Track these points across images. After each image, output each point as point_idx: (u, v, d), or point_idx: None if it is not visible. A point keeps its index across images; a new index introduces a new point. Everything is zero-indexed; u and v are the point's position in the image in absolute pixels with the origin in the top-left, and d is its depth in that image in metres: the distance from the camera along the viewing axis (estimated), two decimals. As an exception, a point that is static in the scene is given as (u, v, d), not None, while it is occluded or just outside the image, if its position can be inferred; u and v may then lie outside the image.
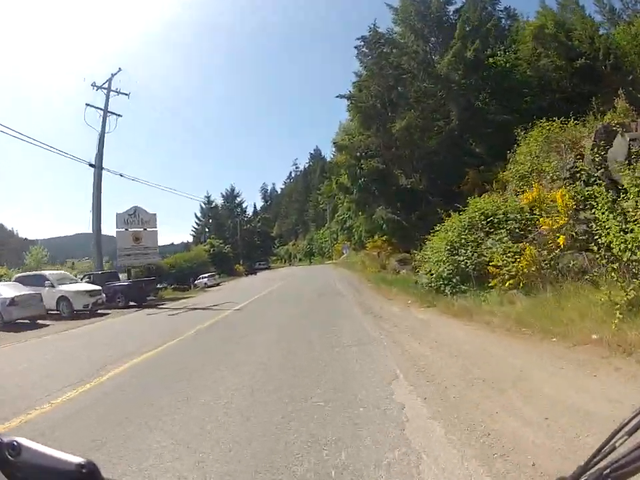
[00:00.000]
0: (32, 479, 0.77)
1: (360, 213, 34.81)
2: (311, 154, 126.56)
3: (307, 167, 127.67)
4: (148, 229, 28.47)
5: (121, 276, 28.95)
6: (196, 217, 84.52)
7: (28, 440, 0.78)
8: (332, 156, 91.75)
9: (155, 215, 28.95)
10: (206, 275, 45.68)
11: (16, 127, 67.87)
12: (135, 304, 22.94)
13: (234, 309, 16.95)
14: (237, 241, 77.67)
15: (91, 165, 27.11)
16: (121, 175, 27.24)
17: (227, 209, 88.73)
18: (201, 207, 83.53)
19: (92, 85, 29.45)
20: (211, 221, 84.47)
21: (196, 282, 45.01)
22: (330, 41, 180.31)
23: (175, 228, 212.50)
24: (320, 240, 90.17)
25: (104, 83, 29.10)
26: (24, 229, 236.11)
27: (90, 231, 27.29)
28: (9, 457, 0.76)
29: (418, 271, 16.63)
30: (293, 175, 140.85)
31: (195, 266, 50.07)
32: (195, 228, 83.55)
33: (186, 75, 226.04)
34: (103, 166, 27.30)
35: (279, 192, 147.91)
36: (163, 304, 23.78)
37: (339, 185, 38.16)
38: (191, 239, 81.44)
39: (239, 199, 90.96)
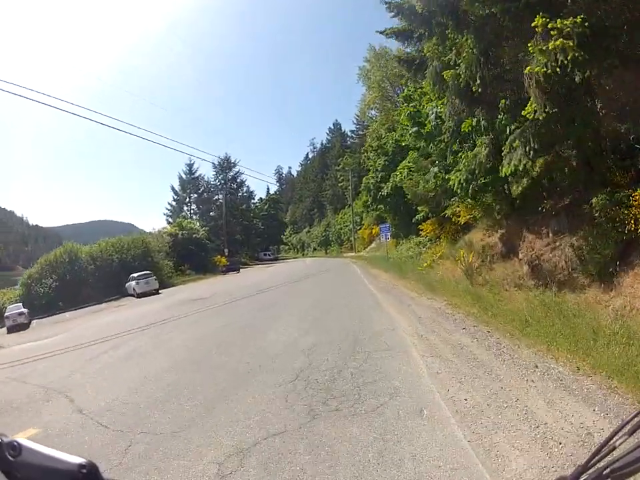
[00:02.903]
0: (32, 479, 0.73)
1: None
2: (330, 128, 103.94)
3: (325, 142, 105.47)
4: None
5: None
6: (173, 190, 62.04)
7: (28, 440, 0.75)
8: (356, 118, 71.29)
9: None
10: (136, 274, 28.90)
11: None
12: None
13: None
14: (229, 223, 56.53)
15: None
16: None
17: (219, 182, 66.16)
18: (180, 178, 61.94)
19: None
20: (192, 196, 62.12)
21: (127, 285, 29.76)
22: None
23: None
24: (338, 225, 68.39)
25: None
26: (36, 216, 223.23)
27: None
28: (9, 457, 0.73)
29: None
30: (310, 157, 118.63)
31: (132, 259, 33.43)
32: (170, 205, 61.34)
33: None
34: None
35: (295, 176, 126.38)
36: None
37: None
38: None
39: (235, 170, 67.34)
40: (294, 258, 74.52)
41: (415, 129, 12.14)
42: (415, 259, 23.34)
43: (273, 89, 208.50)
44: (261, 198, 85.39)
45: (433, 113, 12.02)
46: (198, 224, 52.89)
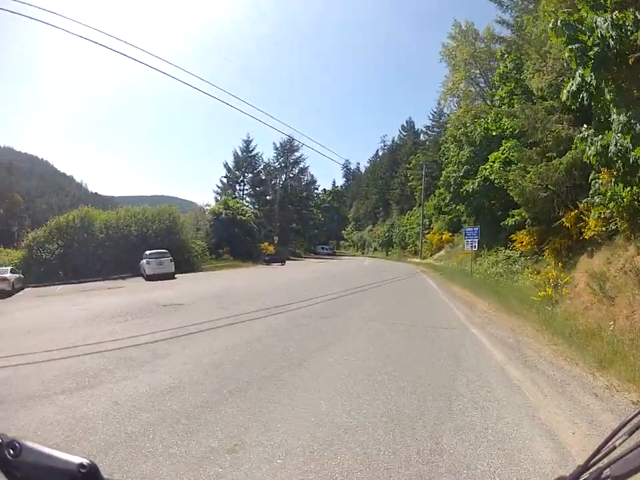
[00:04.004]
0: (32, 479, 0.72)
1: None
2: (403, 126, 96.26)
3: (397, 140, 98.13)
4: None
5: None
6: (225, 167, 56.67)
7: (28, 440, 0.73)
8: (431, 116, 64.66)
9: None
10: (151, 252, 24.14)
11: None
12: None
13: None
14: (286, 210, 52.03)
15: None
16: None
17: (280, 164, 60.08)
18: (235, 155, 56.62)
19: None
20: (247, 175, 56.57)
21: (140, 263, 24.49)
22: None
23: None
24: (403, 227, 61.09)
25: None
26: (96, 184, 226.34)
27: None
28: (9, 457, 0.71)
29: None
30: (379, 154, 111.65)
31: (154, 234, 28.65)
32: (221, 182, 56.32)
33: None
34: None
35: (363, 172, 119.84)
36: None
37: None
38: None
39: (297, 154, 60.61)
40: (352, 256, 69.73)
41: (575, 45, 6.35)
42: (506, 278, 17.36)
43: (347, 85, 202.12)
44: (324, 189, 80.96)
45: (606, 22, 6.29)
46: (250, 206, 48.59)
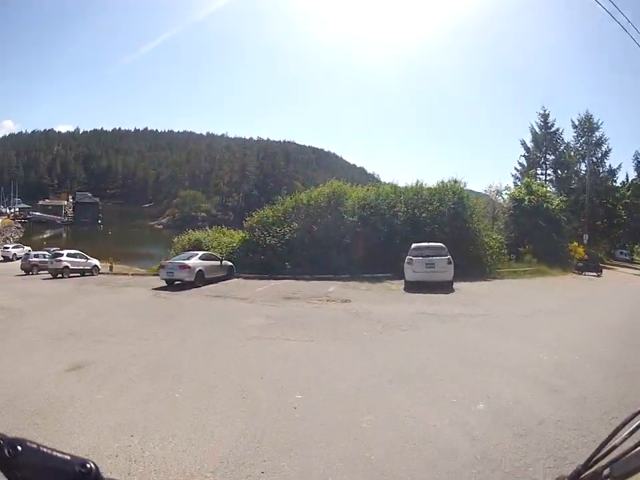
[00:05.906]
0: (32, 479, 0.69)
1: None
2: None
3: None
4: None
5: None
6: (523, 146, 47.89)
7: (28, 440, 0.71)
8: None
9: None
10: (418, 245, 15.85)
11: None
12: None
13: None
14: (592, 203, 40.16)
15: None
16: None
17: (581, 146, 47.82)
18: (533, 132, 47.43)
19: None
20: (549, 157, 46.47)
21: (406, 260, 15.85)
22: None
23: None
24: None
25: None
26: (391, 176, 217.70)
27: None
28: (9, 456, 0.68)
29: None
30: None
31: (429, 219, 20.13)
32: (520, 164, 47.56)
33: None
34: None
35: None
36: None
37: None
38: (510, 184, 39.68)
39: (598, 134, 47.43)
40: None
41: None
42: None
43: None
44: (623, 181, 64.34)
45: None
46: (554, 195, 39.39)
